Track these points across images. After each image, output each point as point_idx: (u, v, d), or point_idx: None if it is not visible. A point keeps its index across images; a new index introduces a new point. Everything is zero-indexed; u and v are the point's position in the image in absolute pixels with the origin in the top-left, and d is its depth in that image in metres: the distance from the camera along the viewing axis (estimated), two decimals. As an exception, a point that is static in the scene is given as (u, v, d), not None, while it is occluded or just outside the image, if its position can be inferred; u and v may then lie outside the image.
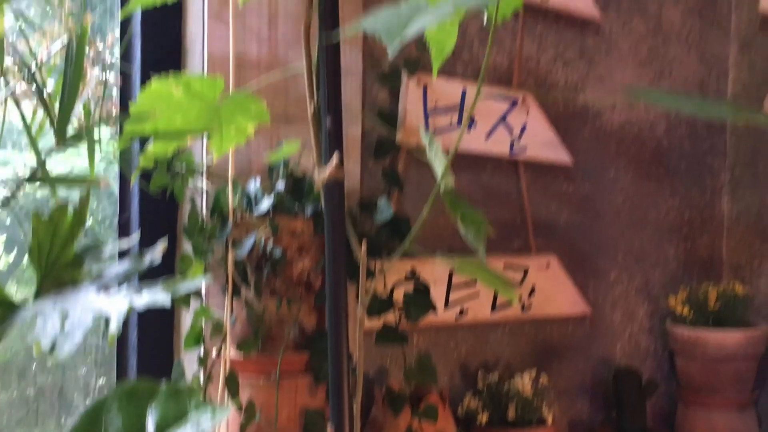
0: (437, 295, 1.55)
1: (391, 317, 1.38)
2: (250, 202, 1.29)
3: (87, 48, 0.95)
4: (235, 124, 1.00)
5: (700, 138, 1.88)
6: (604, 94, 1.77)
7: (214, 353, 1.26)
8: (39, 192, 1.51)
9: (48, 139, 1.23)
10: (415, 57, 1.50)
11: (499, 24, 1.09)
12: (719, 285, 1.77)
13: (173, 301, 1.26)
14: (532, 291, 1.67)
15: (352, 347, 1.11)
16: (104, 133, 1.02)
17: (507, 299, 1.58)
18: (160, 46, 1.42)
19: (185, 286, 0.72)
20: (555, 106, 1.72)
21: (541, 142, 1.65)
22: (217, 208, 1.27)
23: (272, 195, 1.26)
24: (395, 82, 1.52)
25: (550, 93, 1.71)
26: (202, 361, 1.27)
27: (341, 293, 0.90)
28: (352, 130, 1.49)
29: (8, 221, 1.41)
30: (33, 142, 0.98)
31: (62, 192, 1.25)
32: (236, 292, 1.27)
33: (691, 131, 1.87)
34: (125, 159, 1.29)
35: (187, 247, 1.35)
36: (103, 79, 1.27)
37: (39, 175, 0.98)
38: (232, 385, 1.22)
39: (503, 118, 1.60)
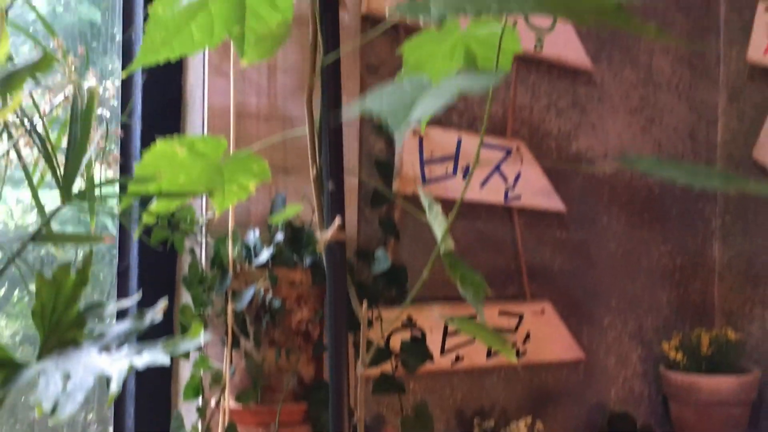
0: (433, 341, 1.56)
1: (387, 365, 1.39)
2: (249, 253, 1.30)
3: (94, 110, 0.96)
4: (237, 183, 1.01)
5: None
6: (597, 141, 1.80)
7: (213, 404, 1.27)
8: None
9: (48, 182, 1.24)
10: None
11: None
12: (712, 330, 1.79)
13: (172, 351, 1.27)
14: (527, 337, 1.69)
15: (352, 403, 1.12)
16: (107, 191, 1.03)
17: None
18: (161, 97, 1.44)
19: (185, 345, 0.73)
20: (548, 154, 1.75)
21: (535, 190, 1.67)
22: (217, 259, 1.28)
23: (271, 246, 1.28)
24: (391, 132, 1.54)
25: (544, 141, 1.74)
26: (201, 412, 1.28)
27: (342, 351, 0.91)
28: (349, 180, 1.51)
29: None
30: (38, 202, 1.00)
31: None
32: (235, 342, 1.28)
33: (682, 178, 1.90)
34: (126, 212, 1.31)
35: (186, 297, 1.36)
36: (105, 131, 1.29)
37: (43, 233, 1.00)
38: (231, 436, 1.23)
39: (498, 167, 1.63)
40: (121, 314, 1.46)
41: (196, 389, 1.29)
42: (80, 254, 1.53)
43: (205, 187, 1.01)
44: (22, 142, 1.18)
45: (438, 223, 0.84)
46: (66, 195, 0.96)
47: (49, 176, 1.29)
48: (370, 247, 1.55)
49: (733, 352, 1.75)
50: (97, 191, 1.06)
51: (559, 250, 1.76)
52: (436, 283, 1.58)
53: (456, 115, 1.64)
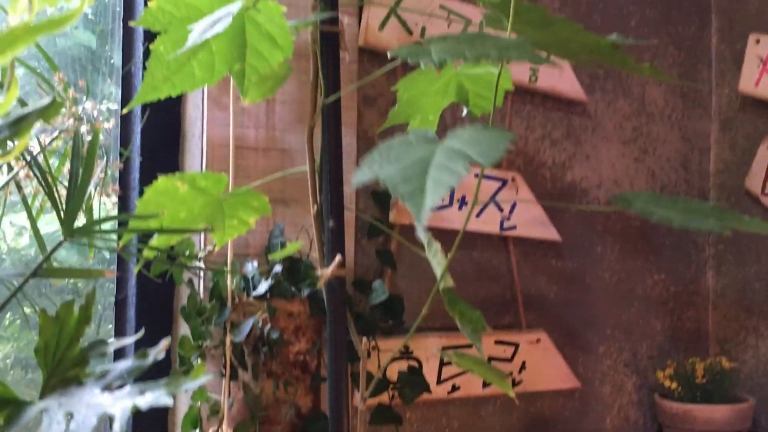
0: (429, 371, 1.57)
1: (384, 396, 1.40)
2: (247, 285, 1.31)
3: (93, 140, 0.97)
4: (237, 218, 1.03)
5: (685, 214, 1.93)
6: (591, 171, 1.81)
7: (210, 436, 1.28)
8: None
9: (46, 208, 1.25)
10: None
11: (486, 111, 1.14)
12: (706, 359, 1.80)
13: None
14: (523, 366, 1.69)
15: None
16: (108, 224, 1.04)
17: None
18: (160, 129, 1.45)
19: (188, 384, 0.74)
20: (543, 184, 1.76)
21: (531, 219, 1.69)
22: (216, 291, 1.29)
23: (270, 278, 1.29)
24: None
25: (539, 171, 1.76)
26: (199, 444, 1.28)
27: (342, 386, 0.92)
28: (346, 210, 1.53)
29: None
30: (38, 237, 1.01)
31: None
32: (233, 374, 1.29)
33: (675, 207, 1.92)
34: (125, 247, 1.31)
35: (183, 327, 1.37)
36: (104, 163, 1.30)
37: (44, 267, 1.00)
38: (228, 468, 1.23)
39: (493, 197, 1.64)
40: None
41: (194, 421, 1.29)
42: (77, 282, 1.54)
43: (205, 222, 1.02)
44: (21, 174, 1.19)
45: (437, 260, 0.85)
46: (67, 231, 0.97)
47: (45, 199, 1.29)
48: (367, 276, 1.56)
49: (727, 380, 1.76)
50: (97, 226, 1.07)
51: (554, 279, 1.77)
52: (433, 313, 1.59)
53: (452, 146, 1.65)
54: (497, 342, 1.67)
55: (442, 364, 1.61)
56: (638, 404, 1.89)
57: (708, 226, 0.72)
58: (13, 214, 1.47)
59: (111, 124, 1.36)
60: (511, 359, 1.68)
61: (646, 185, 1.88)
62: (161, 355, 0.78)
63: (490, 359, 1.66)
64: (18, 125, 0.65)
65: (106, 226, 1.04)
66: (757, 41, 1.79)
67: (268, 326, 1.27)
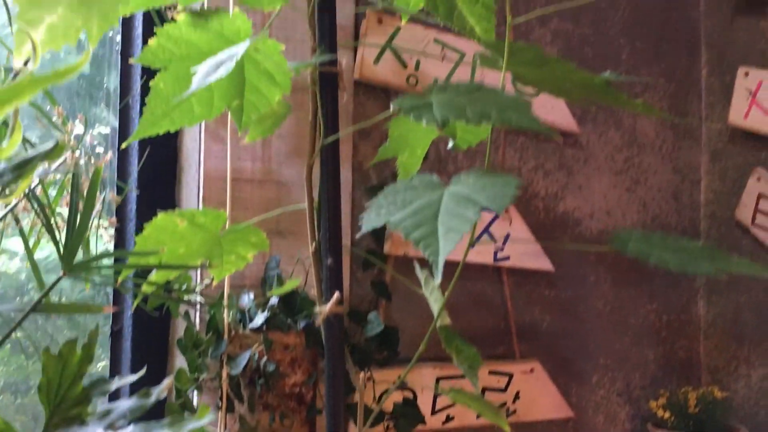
0: (424, 401, 1.58)
1: (380, 427, 1.40)
2: (243, 317, 1.32)
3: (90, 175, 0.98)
4: (236, 253, 1.04)
5: (676, 243, 1.95)
6: (583, 202, 1.83)
7: (206, 469, 1.27)
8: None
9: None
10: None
11: (472, 145, 1.15)
12: (698, 389, 1.81)
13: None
14: (517, 396, 1.70)
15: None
16: (106, 261, 1.05)
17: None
18: (157, 161, 1.46)
19: (192, 424, 0.75)
20: (536, 214, 1.78)
21: (524, 250, 1.70)
22: (213, 323, 1.30)
23: (266, 310, 1.30)
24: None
25: (532, 202, 1.78)
26: (194, 477, 1.28)
27: (339, 420, 0.93)
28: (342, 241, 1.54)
29: None
30: (36, 273, 1.01)
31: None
32: (229, 406, 1.29)
33: (666, 237, 1.94)
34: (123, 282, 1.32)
35: (179, 358, 1.37)
36: (102, 197, 1.30)
37: (43, 303, 1.01)
38: (224, 502, 1.23)
39: (487, 228, 1.66)
40: (115, 370, 1.47)
41: (189, 454, 1.29)
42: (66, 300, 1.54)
43: (204, 257, 1.03)
44: (19, 205, 1.19)
45: (434, 298, 0.86)
46: (67, 266, 0.97)
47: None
48: (362, 307, 1.57)
49: (719, 410, 1.77)
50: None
51: (547, 309, 1.79)
52: (428, 344, 1.60)
53: (445, 177, 1.67)
54: (491, 372, 1.68)
55: (436, 394, 1.61)
56: (631, 433, 1.90)
57: (703, 270, 0.74)
58: (4, 238, 1.48)
59: (108, 157, 1.37)
60: (505, 389, 1.69)
61: (637, 216, 1.90)
62: (164, 395, 0.79)
63: (484, 389, 1.66)
64: (22, 168, 0.66)
65: (104, 261, 1.05)
66: (746, 74, 1.82)
67: (265, 359, 1.27)
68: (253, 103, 1.02)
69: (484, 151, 1.71)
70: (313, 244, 0.88)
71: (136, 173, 1.45)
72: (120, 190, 1.45)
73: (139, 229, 1.44)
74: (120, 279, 1.00)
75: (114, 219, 1.33)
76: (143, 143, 1.45)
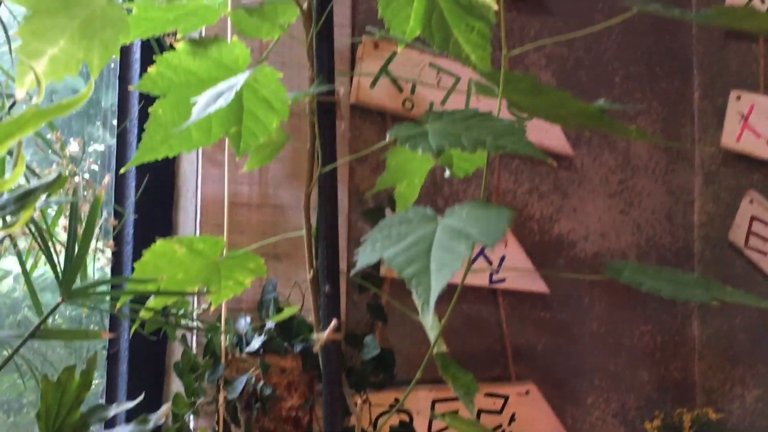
0: (420, 424, 1.58)
1: (376, 451, 1.41)
2: (240, 341, 1.32)
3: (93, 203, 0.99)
4: (234, 279, 1.05)
5: (670, 265, 1.96)
6: (578, 224, 1.85)
7: (202, 493, 1.28)
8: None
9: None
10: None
11: (469, 173, 1.17)
12: (693, 410, 1.81)
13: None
14: (512, 418, 1.70)
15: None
16: (105, 287, 1.06)
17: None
18: (154, 185, 1.47)
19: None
20: (531, 236, 1.79)
21: (519, 272, 1.71)
22: (210, 347, 1.30)
23: (263, 334, 1.30)
24: (379, 217, 1.58)
25: (527, 224, 1.79)
26: (191, 502, 1.28)
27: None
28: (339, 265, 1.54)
29: None
30: (35, 300, 1.02)
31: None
32: (226, 430, 1.29)
33: (660, 259, 1.95)
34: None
35: (175, 381, 1.37)
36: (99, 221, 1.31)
37: (43, 329, 1.01)
38: None
39: (482, 251, 1.67)
40: (111, 393, 1.47)
41: (186, 478, 1.29)
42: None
43: (202, 283, 1.04)
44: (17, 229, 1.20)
45: (431, 326, 0.87)
46: (66, 293, 0.98)
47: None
48: (358, 329, 1.57)
49: (714, 431, 1.78)
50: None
51: (543, 330, 1.79)
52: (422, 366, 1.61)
53: (441, 200, 1.68)
54: (487, 394, 1.68)
55: (432, 417, 1.62)
56: (627, 455, 1.90)
57: (696, 297, 0.75)
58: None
59: (107, 180, 1.38)
60: (500, 411, 1.69)
61: (632, 237, 1.91)
62: (161, 421, 0.80)
63: (480, 412, 1.66)
64: (24, 200, 0.67)
65: (103, 287, 1.06)
66: (738, 98, 1.83)
67: (261, 382, 1.28)
68: (251, 129, 1.03)
69: (479, 173, 1.72)
70: (311, 271, 0.89)
71: (133, 196, 1.46)
72: (117, 214, 1.46)
73: (136, 252, 1.45)
74: (119, 305, 1.01)
75: (112, 242, 1.34)
76: (141, 167, 1.46)
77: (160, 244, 0.99)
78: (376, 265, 1.59)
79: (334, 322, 0.87)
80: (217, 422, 1.28)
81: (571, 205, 1.84)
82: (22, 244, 1.28)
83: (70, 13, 0.78)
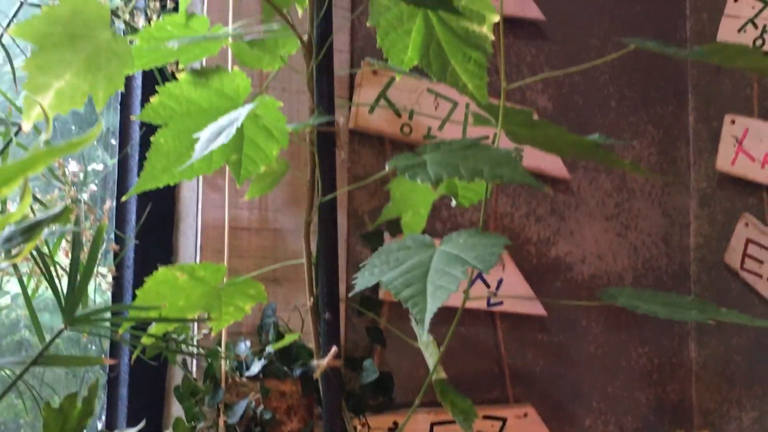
0: (418, 447, 1.59)
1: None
2: (240, 365, 1.33)
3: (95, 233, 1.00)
4: (234, 305, 1.06)
5: (666, 287, 1.98)
6: (575, 247, 1.86)
7: None
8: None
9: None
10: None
11: (474, 202, 1.18)
12: (691, 432, 1.83)
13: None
14: (511, 441, 1.71)
15: None
16: (107, 314, 1.07)
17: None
18: (154, 210, 1.48)
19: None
20: (528, 259, 1.81)
21: (517, 295, 1.72)
22: (210, 372, 1.31)
23: (263, 358, 1.31)
24: (378, 242, 1.59)
25: (524, 247, 1.80)
26: None
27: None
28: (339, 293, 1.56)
29: None
30: (37, 327, 1.03)
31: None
32: (225, 454, 1.30)
33: (657, 281, 1.96)
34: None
35: (175, 404, 1.38)
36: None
37: (45, 355, 1.02)
38: None
39: (480, 275, 1.68)
40: (111, 417, 1.48)
41: (186, 502, 1.29)
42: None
43: (203, 309, 1.05)
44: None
45: (429, 353, 0.88)
46: (68, 320, 0.99)
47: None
48: (357, 353, 1.58)
49: (712, 454, 1.79)
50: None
51: (540, 353, 1.80)
52: (421, 388, 1.62)
53: (440, 224, 1.70)
54: (485, 417, 1.69)
55: (430, 439, 1.62)
56: (625, 477, 1.91)
57: (691, 317, 0.76)
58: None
59: (108, 206, 1.39)
60: (499, 434, 1.70)
61: (628, 260, 1.93)
62: (163, 449, 0.80)
63: (479, 434, 1.67)
64: (30, 232, 0.69)
65: (105, 313, 1.07)
66: (732, 122, 1.86)
67: (261, 407, 1.29)
68: (252, 157, 1.05)
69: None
70: (311, 299, 0.90)
71: (134, 222, 1.47)
72: (118, 239, 1.47)
73: (137, 277, 1.46)
74: (121, 331, 1.02)
75: (113, 267, 1.35)
76: (142, 192, 1.47)
77: (161, 271, 1.00)
78: (375, 288, 1.60)
79: (333, 349, 0.88)
80: (217, 446, 1.29)
81: (568, 228, 1.86)
82: (24, 267, 1.29)
83: (76, 48, 0.80)
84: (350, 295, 0.72)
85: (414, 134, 1.64)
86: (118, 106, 1.54)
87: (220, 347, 1.33)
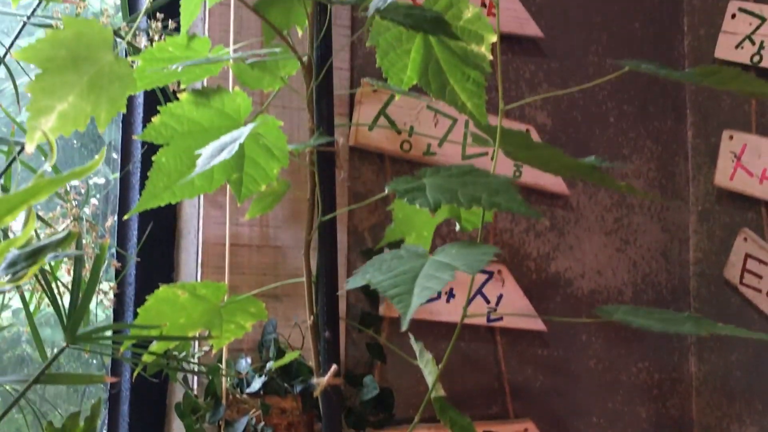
0: (419, 463, 1.59)
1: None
2: (240, 381, 1.34)
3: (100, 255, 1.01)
4: (235, 323, 1.07)
5: (666, 302, 1.98)
6: (574, 262, 1.87)
7: None
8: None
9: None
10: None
11: (477, 227, 1.19)
12: (691, 447, 1.83)
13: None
14: (511, 456, 1.71)
15: None
16: (109, 332, 1.07)
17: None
18: (155, 227, 1.49)
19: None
20: (528, 275, 1.81)
21: (517, 311, 1.73)
22: (211, 388, 1.32)
23: (264, 374, 1.32)
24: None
25: (524, 263, 1.81)
26: None
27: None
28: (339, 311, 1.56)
29: None
30: (39, 345, 1.04)
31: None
32: (226, 471, 1.30)
33: (657, 296, 1.97)
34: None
35: (176, 423, 1.39)
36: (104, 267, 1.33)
37: (47, 374, 1.03)
38: None
39: (480, 290, 1.69)
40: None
41: None
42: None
43: (204, 327, 1.06)
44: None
45: (429, 370, 0.89)
46: (71, 338, 1.00)
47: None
48: (357, 369, 1.58)
49: (712, 469, 1.79)
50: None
51: (540, 368, 1.81)
52: (421, 405, 1.62)
53: (440, 241, 1.70)
54: (485, 432, 1.69)
55: (431, 455, 1.63)
56: (625, 492, 1.91)
57: (685, 330, 0.77)
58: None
59: (109, 223, 1.40)
60: (499, 450, 1.70)
61: (628, 275, 1.93)
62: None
63: (479, 450, 1.67)
64: (34, 257, 0.69)
65: (107, 331, 1.07)
66: (731, 137, 1.87)
67: (262, 423, 1.29)
68: (252, 176, 1.06)
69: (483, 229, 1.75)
70: (311, 317, 0.91)
71: (136, 239, 1.48)
72: (119, 256, 1.48)
73: (138, 293, 1.47)
74: (122, 349, 1.03)
75: (114, 285, 1.36)
76: (144, 210, 1.48)
77: (163, 289, 1.01)
78: (375, 305, 1.61)
79: (333, 368, 0.88)
80: (218, 463, 1.29)
81: (567, 244, 1.87)
82: (26, 284, 1.29)
83: (79, 70, 0.81)
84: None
85: (414, 151, 1.65)
86: (120, 123, 1.56)
87: (221, 364, 1.34)
